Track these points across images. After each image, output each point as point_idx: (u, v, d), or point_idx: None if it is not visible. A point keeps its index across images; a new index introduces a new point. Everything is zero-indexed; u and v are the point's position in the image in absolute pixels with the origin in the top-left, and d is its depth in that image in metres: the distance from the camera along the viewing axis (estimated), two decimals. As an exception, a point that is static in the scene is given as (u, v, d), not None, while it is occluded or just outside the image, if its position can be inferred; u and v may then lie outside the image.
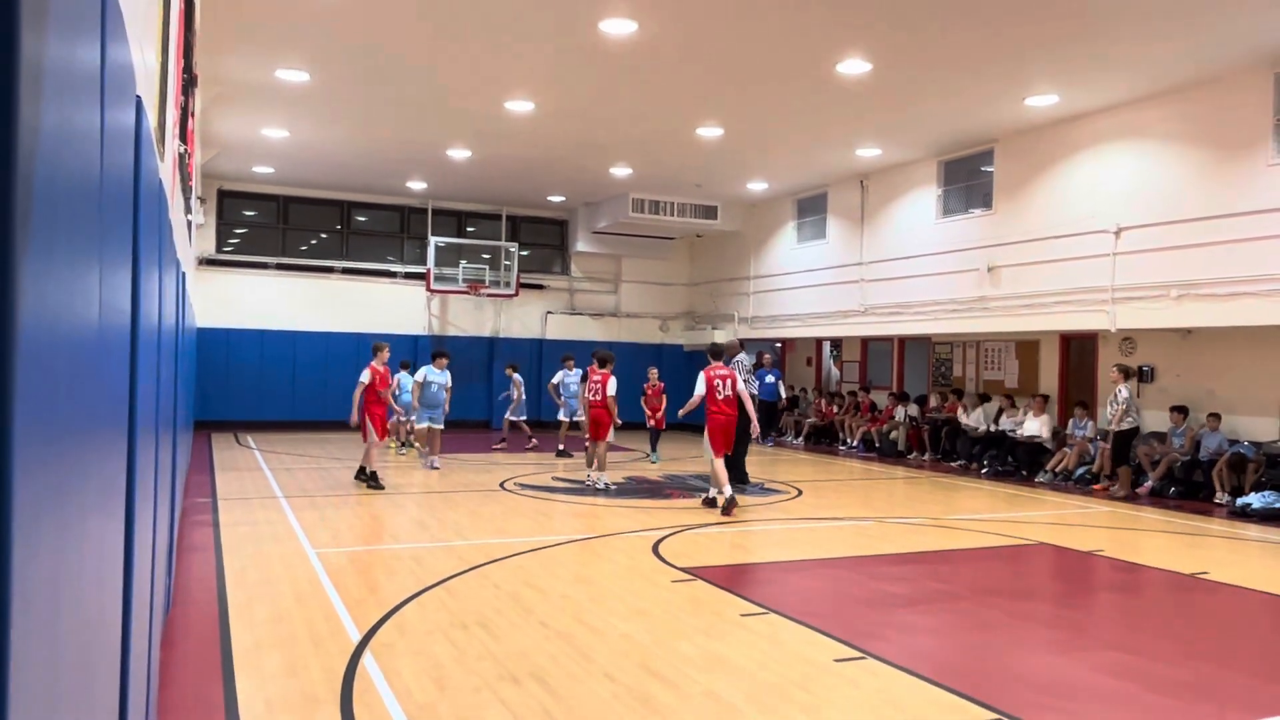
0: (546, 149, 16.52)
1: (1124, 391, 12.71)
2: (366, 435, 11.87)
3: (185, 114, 7.65)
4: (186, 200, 9.94)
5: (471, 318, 22.56)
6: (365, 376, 11.88)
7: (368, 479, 11.98)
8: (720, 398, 10.86)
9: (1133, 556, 8.83)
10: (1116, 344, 14.54)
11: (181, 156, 7.68)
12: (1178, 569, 8.23)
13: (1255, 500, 11.31)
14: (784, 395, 18.10)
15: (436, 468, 13.76)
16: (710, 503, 10.95)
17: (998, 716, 4.51)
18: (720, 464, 10.76)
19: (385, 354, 12.20)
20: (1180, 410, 13.08)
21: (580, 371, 16.39)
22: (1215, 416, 12.71)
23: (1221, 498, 12.01)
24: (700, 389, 11.03)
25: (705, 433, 10.92)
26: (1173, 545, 9.53)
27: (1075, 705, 4.74)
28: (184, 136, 7.81)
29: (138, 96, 2.30)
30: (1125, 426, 12.72)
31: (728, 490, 10.60)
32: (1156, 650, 5.75)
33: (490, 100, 13.55)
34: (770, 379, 16.66)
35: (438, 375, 13.76)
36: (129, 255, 2.20)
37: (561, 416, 16.77)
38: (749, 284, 21.84)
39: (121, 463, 2.20)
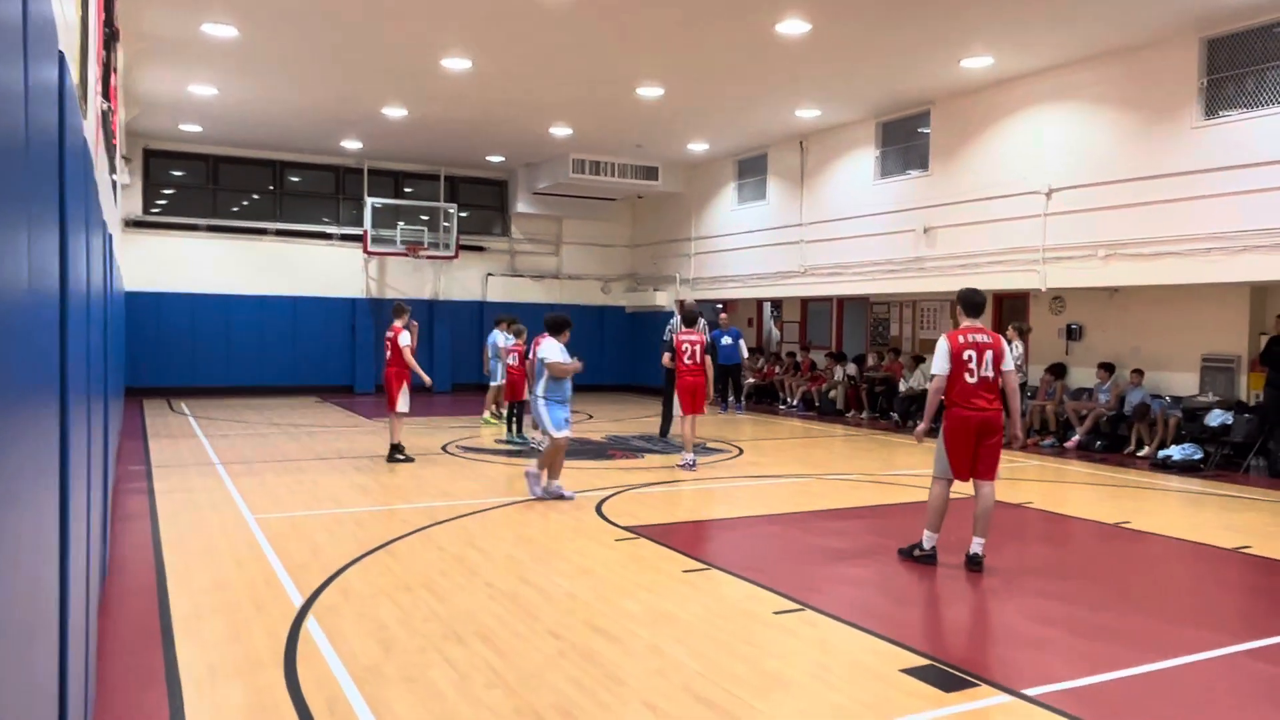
0: (485, 108, 16.26)
1: (1017, 349, 13.21)
2: (395, 404, 11.08)
3: (107, 70, 7.38)
4: (111, 159, 9.61)
5: (410, 280, 22.25)
6: (406, 339, 11.04)
7: (400, 453, 11.22)
8: (973, 380, 6.63)
9: (1060, 508, 9.16)
10: (1047, 303, 14.92)
11: (105, 114, 7.42)
12: (1102, 519, 8.57)
13: (1175, 453, 11.78)
14: (746, 355, 16.64)
15: (567, 496, 9.03)
16: (916, 554, 6.87)
17: (931, 661, 4.68)
18: (944, 494, 6.81)
19: (407, 317, 11.25)
20: (1107, 367, 13.51)
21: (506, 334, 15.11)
22: (1139, 373, 13.16)
23: (1142, 451, 12.49)
24: (943, 363, 6.69)
25: (941, 437, 6.84)
26: (1098, 497, 9.90)
27: (1004, 650, 4.93)
28: (106, 93, 7.55)
29: (60, 51, 2.22)
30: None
31: (930, 541, 6.83)
32: (1081, 596, 6.00)
33: (426, 57, 13.28)
34: (727, 340, 15.55)
35: (558, 353, 9.07)
36: (56, 217, 2.14)
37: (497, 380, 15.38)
38: (690, 245, 21.87)
39: (54, 429, 2.16)
